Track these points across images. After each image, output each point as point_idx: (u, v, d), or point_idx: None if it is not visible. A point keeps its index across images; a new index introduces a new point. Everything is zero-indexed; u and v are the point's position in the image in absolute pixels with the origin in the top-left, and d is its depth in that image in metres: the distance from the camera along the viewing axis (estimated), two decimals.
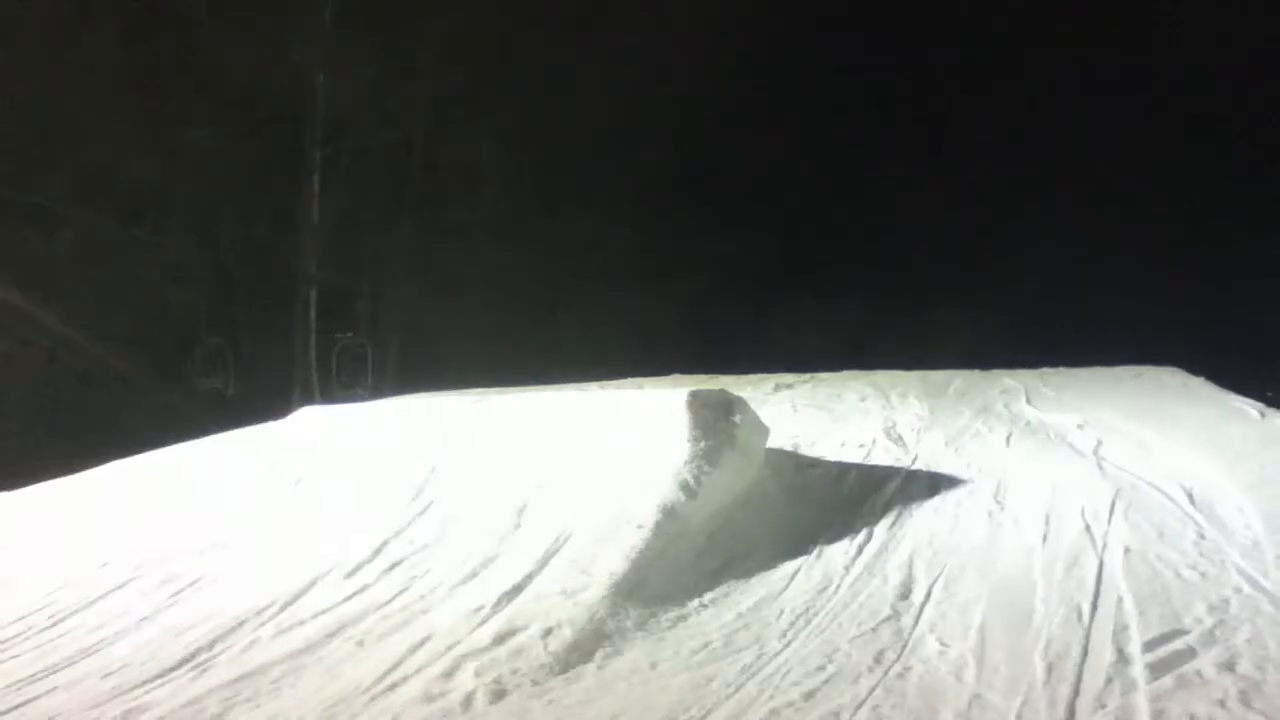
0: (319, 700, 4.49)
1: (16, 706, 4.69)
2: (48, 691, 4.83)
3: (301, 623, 5.40)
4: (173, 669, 4.97)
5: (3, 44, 14.67)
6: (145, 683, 4.82)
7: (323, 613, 5.50)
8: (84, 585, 6.22)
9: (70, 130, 15.46)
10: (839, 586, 5.66)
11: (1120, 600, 5.13)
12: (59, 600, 6.02)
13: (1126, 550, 5.76)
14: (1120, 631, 4.79)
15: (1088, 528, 6.16)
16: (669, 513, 6.25)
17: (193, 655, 5.10)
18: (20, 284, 15.14)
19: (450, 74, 17.53)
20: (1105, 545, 5.87)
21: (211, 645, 5.19)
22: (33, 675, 5.02)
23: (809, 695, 4.42)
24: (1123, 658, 4.53)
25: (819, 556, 6.09)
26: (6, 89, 14.66)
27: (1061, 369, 11.18)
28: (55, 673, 5.05)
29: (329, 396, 16.17)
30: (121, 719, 4.47)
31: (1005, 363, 11.41)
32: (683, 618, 5.36)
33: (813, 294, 16.62)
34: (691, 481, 6.57)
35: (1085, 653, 4.63)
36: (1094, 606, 5.10)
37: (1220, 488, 6.63)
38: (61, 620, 5.76)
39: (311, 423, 9.21)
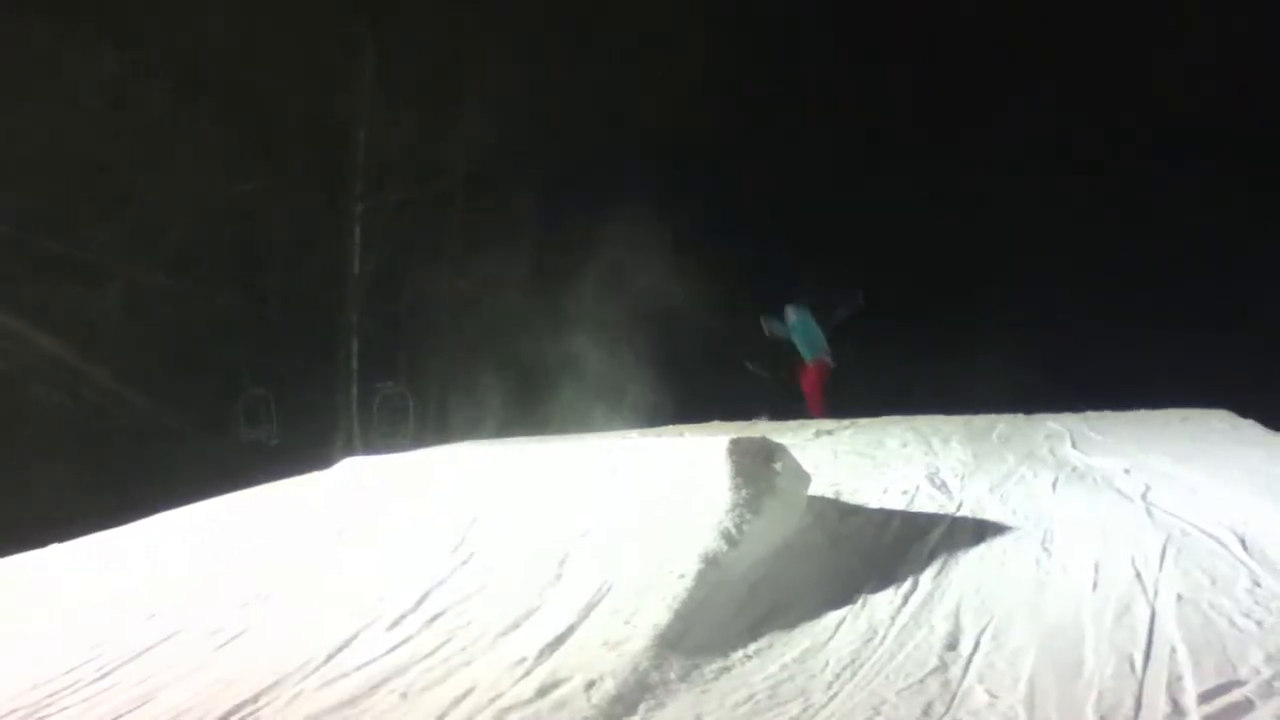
0: None
1: None
2: None
3: (345, 675, 5.40)
4: None
5: (52, 102, 15.08)
6: None
7: (366, 664, 5.51)
8: (131, 638, 6.28)
9: (119, 186, 15.82)
10: (885, 637, 5.58)
11: (1174, 650, 5.01)
12: (107, 653, 6.08)
13: (1179, 598, 5.64)
14: (1174, 682, 4.68)
15: (1138, 575, 6.04)
16: (711, 562, 6.21)
17: (238, 708, 5.11)
18: (68, 337, 15.43)
19: (491, 127, 17.77)
20: (1156, 593, 5.76)
21: (256, 698, 5.20)
22: None
23: None
24: (1178, 709, 4.43)
25: (864, 606, 6.01)
26: (55, 146, 15.03)
27: (1106, 412, 11.03)
28: None
29: (371, 446, 16.29)
30: None
31: (1049, 406, 11.27)
32: (727, 669, 5.31)
33: (851, 338, 16.54)
34: (733, 530, 6.53)
35: (1139, 705, 4.53)
36: (1147, 656, 4.99)
37: (1274, 533, 6.49)
38: (109, 673, 5.80)
39: (354, 473, 9.28)
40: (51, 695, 5.53)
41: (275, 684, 5.35)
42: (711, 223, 17.92)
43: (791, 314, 12.81)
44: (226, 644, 6.11)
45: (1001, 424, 10.52)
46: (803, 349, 12.83)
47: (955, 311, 17.66)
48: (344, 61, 17.41)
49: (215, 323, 17.08)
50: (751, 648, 5.54)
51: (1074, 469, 8.71)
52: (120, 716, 5.18)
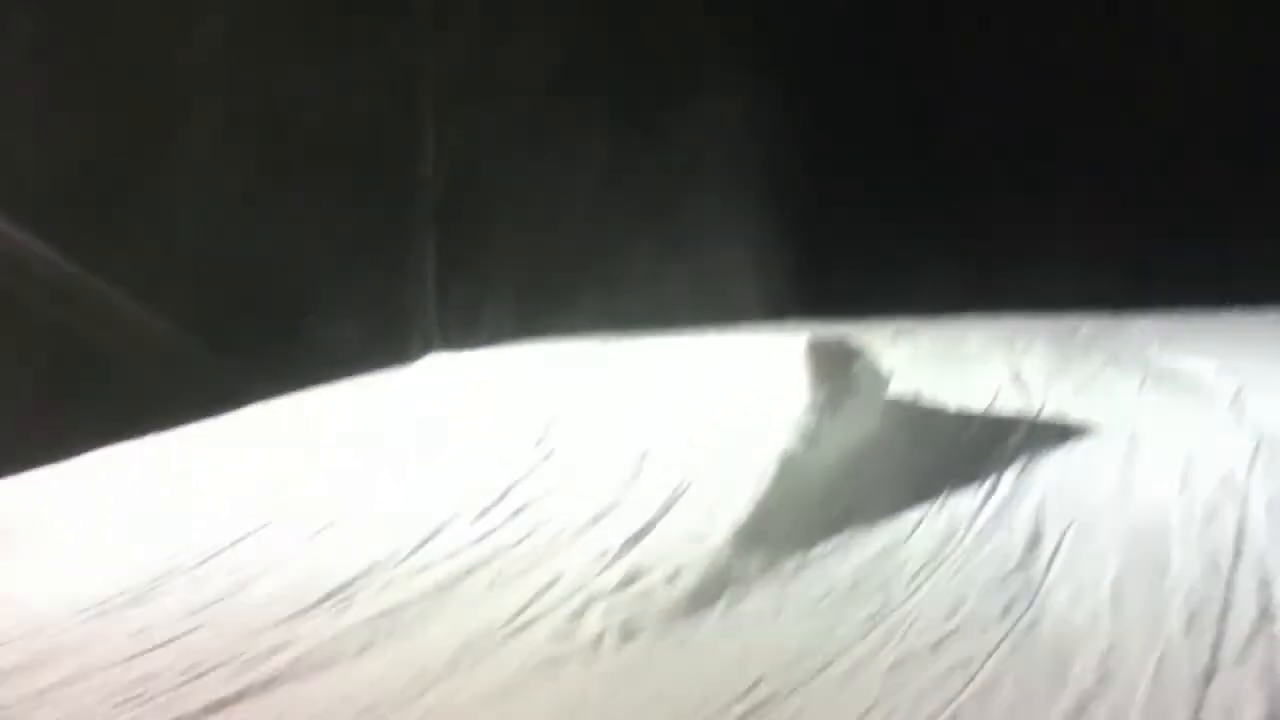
0: (456, 636, 4.65)
1: (169, 640, 4.95)
2: (198, 627, 5.10)
3: (433, 564, 5.57)
4: (313, 606, 5.19)
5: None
6: (289, 618, 5.05)
7: (454, 554, 5.66)
8: (225, 529, 6.49)
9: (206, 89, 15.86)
10: (965, 536, 5.58)
11: (1263, 555, 4.95)
12: (202, 541, 6.29)
13: (1269, 503, 5.55)
14: (1263, 587, 4.63)
15: (1227, 479, 5.94)
16: (789, 460, 6.22)
17: (331, 594, 5.31)
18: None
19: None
20: (1246, 498, 5.66)
21: (350, 583, 5.39)
22: (183, 611, 5.29)
23: (936, 645, 4.40)
24: (1266, 614, 4.39)
25: (944, 506, 5.99)
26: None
27: (1198, 311, 10.72)
28: (203, 610, 5.31)
29: (450, 343, 16.45)
30: (269, 652, 4.70)
31: (1138, 305, 10.97)
32: (806, 564, 5.35)
33: (933, 234, 16.17)
34: (812, 428, 6.52)
35: (1226, 606, 4.50)
36: (1235, 560, 4.93)
37: None
38: (207, 560, 6.03)
39: (438, 369, 9.42)
40: (155, 579, 5.77)
41: (366, 572, 5.53)
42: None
43: None
44: (317, 534, 6.31)
45: (1087, 324, 10.29)
46: None
47: (1039, 202, 17.07)
48: None
49: (285, 220, 17.15)
50: (831, 543, 5.56)
51: (1162, 370, 8.50)
52: (222, 599, 5.40)
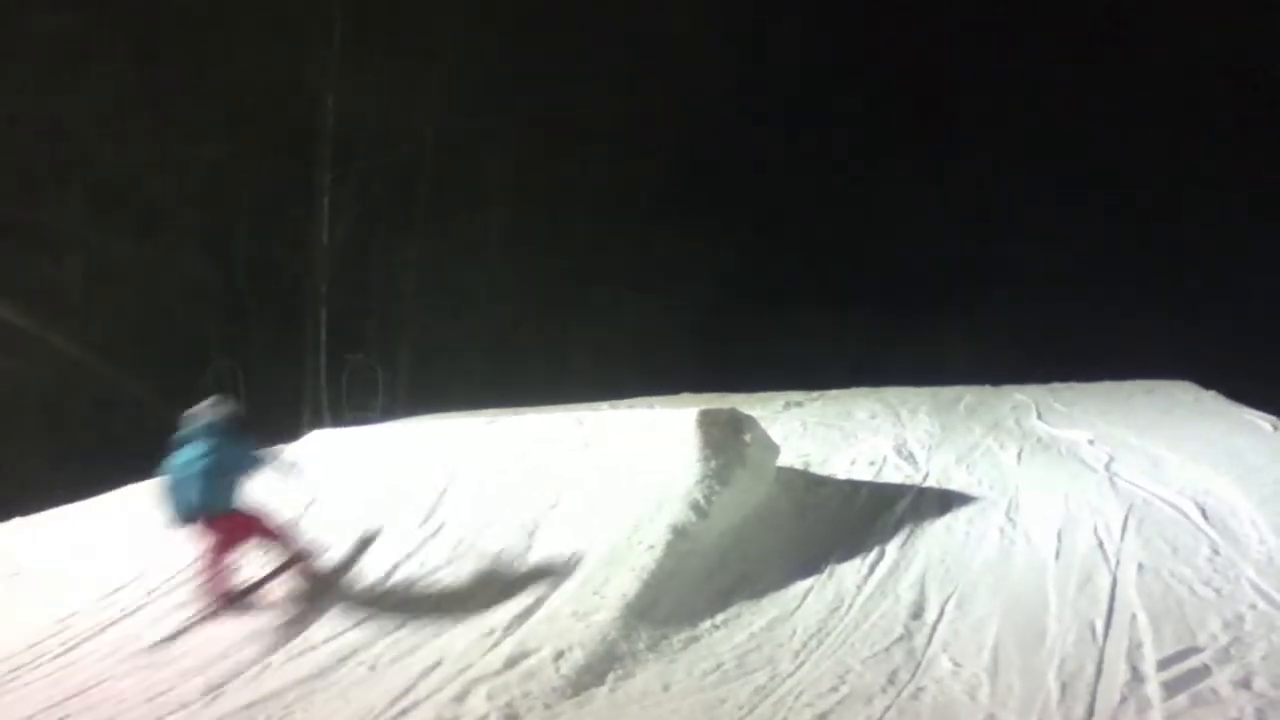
0: None
1: None
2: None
3: (313, 648, 5.40)
4: (185, 696, 4.97)
5: (13, 63, 14.73)
6: (159, 711, 4.83)
7: (334, 637, 5.50)
8: (96, 612, 6.24)
9: (81, 149, 15.53)
10: (851, 606, 5.64)
11: (1134, 617, 5.10)
12: (71, 627, 6.04)
13: (1140, 567, 5.72)
14: (1134, 649, 4.76)
15: (1100, 544, 6.12)
16: (680, 533, 6.23)
17: (205, 682, 5.10)
18: (29, 305, 15.15)
19: (457, 90, 17.60)
20: (1118, 562, 5.83)
21: (221, 672, 5.19)
22: (45, 704, 5.03)
23: (822, 716, 4.42)
24: (1137, 676, 4.51)
25: (831, 576, 6.06)
26: (17, 108, 14.72)
27: (1072, 384, 11.08)
28: (67, 700, 5.06)
29: (339, 419, 16.18)
30: None
31: (1015, 378, 11.31)
32: (694, 639, 5.35)
33: (821, 310, 16.60)
34: (702, 501, 6.56)
35: (1099, 671, 4.61)
36: (1108, 624, 5.07)
37: (1233, 503, 6.58)
38: (74, 647, 5.77)
39: (322, 445, 9.22)
40: (15, 670, 5.50)
41: (239, 659, 5.33)
42: (680, 193, 17.91)
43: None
44: (191, 619, 6.08)
45: (969, 395, 10.56)
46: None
47: (925, 285, 17.76)
48: (311, 25, 17.10)
49: (181, 291, 16.82)
50: (719, 617, 5.58)
51: (1039, 440, 8.77)
52: (85, 692, 5.15)
